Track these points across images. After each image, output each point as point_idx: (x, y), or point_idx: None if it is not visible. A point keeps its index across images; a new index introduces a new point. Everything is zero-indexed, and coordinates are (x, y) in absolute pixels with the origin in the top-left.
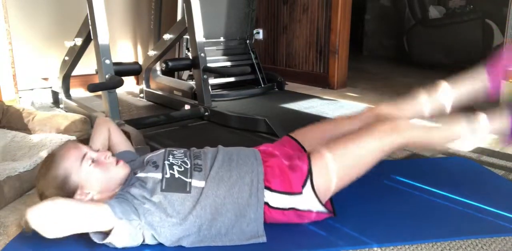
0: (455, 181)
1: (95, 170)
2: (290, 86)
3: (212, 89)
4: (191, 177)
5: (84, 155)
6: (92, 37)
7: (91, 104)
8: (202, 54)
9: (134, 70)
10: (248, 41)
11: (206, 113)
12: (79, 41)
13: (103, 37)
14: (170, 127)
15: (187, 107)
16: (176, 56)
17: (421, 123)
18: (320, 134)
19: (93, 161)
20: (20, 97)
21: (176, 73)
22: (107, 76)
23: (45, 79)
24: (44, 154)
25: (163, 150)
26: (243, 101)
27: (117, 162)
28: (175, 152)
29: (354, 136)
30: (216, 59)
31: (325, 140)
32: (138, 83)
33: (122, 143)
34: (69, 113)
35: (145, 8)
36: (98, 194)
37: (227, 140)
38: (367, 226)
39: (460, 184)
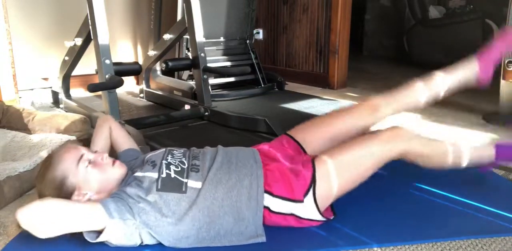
0: (455, 181)
1: (92, 171)
2: (290, 86)
3: (212, 89)
4: (187, 177)
5: (81, 157)
6: (92, 37)
7: (91, 104)
8: (202, 54)
9: (134, 70)
10: (248, 41)
11: (206, 113)
12: (79, 41)
13: (103, 37)
14: (170, 127)
15: (187, 107)
16: (176, 56)
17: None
18: (320, 134)
19: (90, 162)
20: (20, 97)
21: (176, 73)
22: (107, 76)
23: (45, 79)
24: (44, 154)
25: (163, 150)
26: (243, 101)
27: (114, 163)
28: (174, 151)
29: (357, 146)
30: (216, 59)
31: (326, 140)
32: (138, 83)
33: (124, 141)
34: (69, 113)
35: (145, 8)
36: (95, 195)
37: (227, 140)
38: (367, 226)
39: (460, 184)
